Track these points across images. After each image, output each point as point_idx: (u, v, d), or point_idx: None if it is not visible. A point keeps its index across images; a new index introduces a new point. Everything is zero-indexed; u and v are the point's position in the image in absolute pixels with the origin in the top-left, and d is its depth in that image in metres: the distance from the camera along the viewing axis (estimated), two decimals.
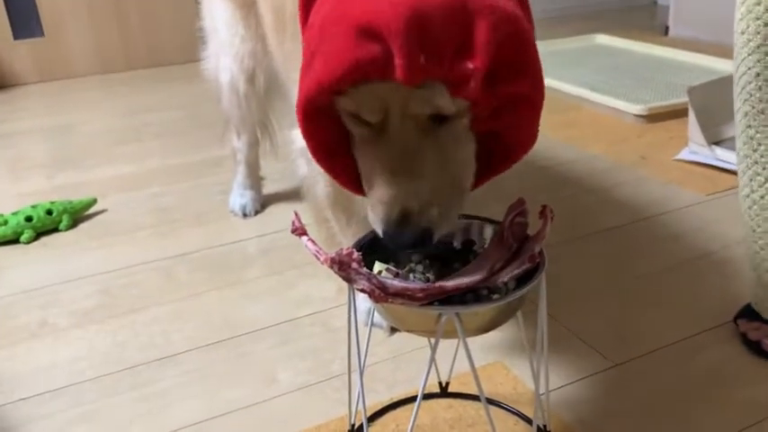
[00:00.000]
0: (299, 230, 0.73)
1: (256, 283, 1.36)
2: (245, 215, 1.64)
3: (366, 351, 0.79)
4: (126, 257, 1.47)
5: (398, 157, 0.68)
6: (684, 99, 1.97)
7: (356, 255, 0.64)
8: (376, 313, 1.12)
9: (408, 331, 0.72)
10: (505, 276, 0.70)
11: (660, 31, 3.41)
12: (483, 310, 0.67)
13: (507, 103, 0.69)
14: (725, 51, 2.75)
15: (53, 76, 3.06)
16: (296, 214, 0.75)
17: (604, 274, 1.32)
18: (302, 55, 0.72)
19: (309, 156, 1.09)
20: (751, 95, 0.98)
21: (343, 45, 0.62)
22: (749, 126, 1.00)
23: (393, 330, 1.18)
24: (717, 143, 1.79)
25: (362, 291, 0.64)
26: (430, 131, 0.69)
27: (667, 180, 1.70)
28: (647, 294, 1.25)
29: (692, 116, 1.78)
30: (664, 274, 1.31)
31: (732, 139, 1.84)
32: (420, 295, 0.64)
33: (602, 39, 3.17)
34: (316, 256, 0.70)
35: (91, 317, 1.27)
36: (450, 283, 0.67)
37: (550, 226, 0.74)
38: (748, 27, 0.95)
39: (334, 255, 0.64)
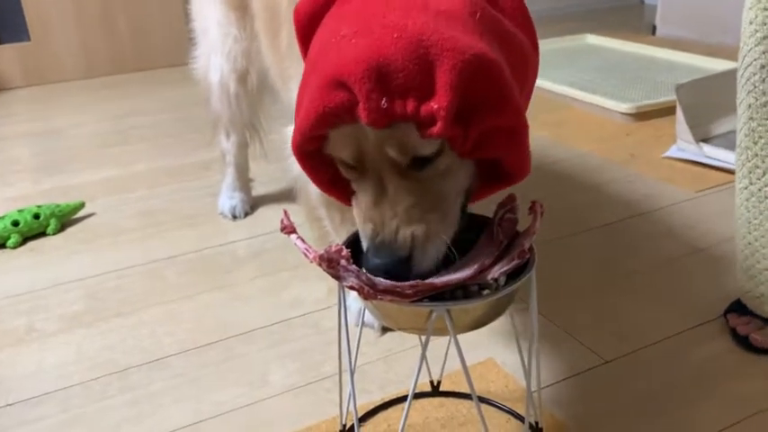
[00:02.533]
0: (288, 228, 0.72)
1: (247, 285, 1.36)
2: (234, 217, 1.63)
3: (357, 351, 0.79)
4: (114, 261, 1.46)
5: (377, 192, 0.71)
6: (672, 97, 1.97)
7: (345, 251, 0.64)
8: (367, 313, 1.12)
9: (399, 329, 0.71)
10: (495, 272, 0.70)
11: (648, 31, 3.43)
12: (473, 307, 0.67)
13: (486, 136, 0.70)
14: (711, 50, 2.77)
15: (40, 81, 3.04)
16: (285, 212, 0.74)
17: (595, 271, 1.32)
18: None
19: None
20: (755, 87, 0.97)
21: (315, 95, 0.66)
22: (751, 118, 1.00)
23: (384, 330, 1.17)
24: (705, 141, 1.80)
25: (351, 288, 0.63)
26: (411, 173, 0.70)
27: (657, 177, 1.71)
28: (637, 291, 1.25)
29: (679, 114, 1.79)
30: (654, 270, 1.32)
31: (720, 136, 1.86)
32: (409, 292, 0.64)
33: (592, 39, 3.18)
34: (305, 254, 0.69)
35: (79, 321, 1.25)
36: (439, 280, 0.67)
37: (540, 221, 0.74)
38: (756, 17, 0.94)
39: (322, 252, 0.63)
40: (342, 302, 0.73)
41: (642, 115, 2.13)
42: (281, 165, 1.15)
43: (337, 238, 1.15)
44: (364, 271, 0.65)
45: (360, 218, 0.74)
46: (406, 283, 0.64)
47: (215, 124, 1.61)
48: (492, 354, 1.09)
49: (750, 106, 0.99)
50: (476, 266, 0.70)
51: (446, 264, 0.71)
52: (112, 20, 3.10)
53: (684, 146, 1.79)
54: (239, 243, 1.54)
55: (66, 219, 1.63)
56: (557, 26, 3.47)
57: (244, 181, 1.68)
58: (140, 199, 1.79)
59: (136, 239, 1.56)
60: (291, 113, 1.13)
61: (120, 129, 2.39)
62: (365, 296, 0.63)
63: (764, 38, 0.94)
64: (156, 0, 3.13)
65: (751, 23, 0.96)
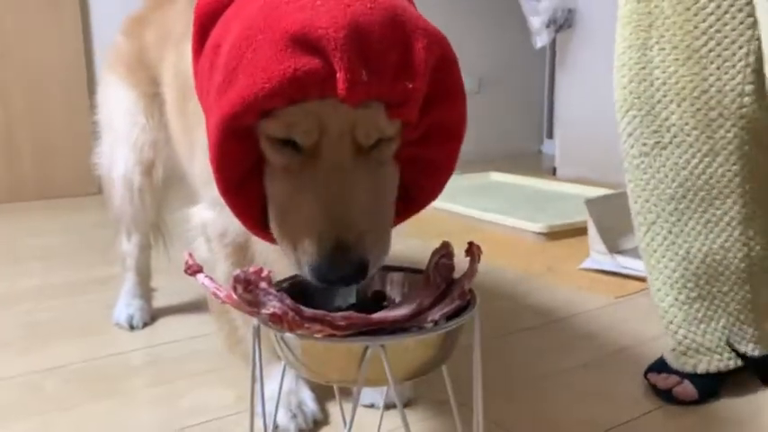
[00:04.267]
0: (194, 267, 0.62)
1: (139, 393, 1.18)
2: (131, 327, 1.47)
3: None
4: None
5: (333, 184, 0.61)
6: (580, 218, 2.04)
7: (265, 272, 0.54)
8: (283, 420, 0.99)
9: (324, 381, 0.60)
10: (436, 314, 0.62)
11: (549, 173, 3.63)
12: (413, 346, 0.58)
13: (436, 129, 0.66)
14: (609, 185, 2.93)
15: None
16: (189, 254, 0.64)
17: (524, 372, 1.25)
18: (202, 75, 0.66)
19: (209, 233, 1.01)
20: (627, 153, 1.10)
21: (275, 55, 0.56)
22: (630, 180, 1.11)
23: None
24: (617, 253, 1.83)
25: (273, 316, 0.53)
26: (362, 155, 0.62)
27: (576, 287, 1.70)
28: (568, 389, 1.18)
29: (591, 226, 1.83)
30: (585, 368, 1.26)
31: (631, 250, 1.90)
32: (341, 323, 0.55)
33: (496, 176, 3.33)
34: (215, 293, 0.59)
35: None
36: (375, 315, 0.58)
37: (478, 263, 0.68)
38: (619, 95, 1.09)
39: (238, 272, 0.54)
40: (256, 351, 0.62)
41: (554, 235, 2.17)
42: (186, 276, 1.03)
43: (248, 332, 1.04)
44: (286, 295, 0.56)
45: (306, 214, 0.60)
46: (338, 314, 0.55)
47: (116, 224, 1.49)
48: None
49: (627, 170, 1.11)
50: (413, 306, 0.62)
51: (381, 305, 0.63)
52: (15, 148, 2.98)
53: (599, 257, 1.82)
54: (134, 352, 1.37)
55: None
56: (460, 167, 3.60)
57: (145, 288, 1.54)
58: (25, 312, 1.59)
59: (13, 351, 1.36)
60: (196, 191, 1.06)
61: (10, 248, 2.20)
62: (289, 324, 0.53)
63: (627, 111, 1.08)
64: (62, 129, 3.05)
65: (617, 101, 1.10)
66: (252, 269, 0.54)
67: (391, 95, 0.59)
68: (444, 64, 0.61)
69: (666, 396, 1.11)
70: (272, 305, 0.53)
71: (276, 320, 0.53)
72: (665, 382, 1.12)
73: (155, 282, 1.60)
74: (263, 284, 0.54)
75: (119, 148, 1.37)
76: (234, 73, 0.59)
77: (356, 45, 0.55)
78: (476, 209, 2.46)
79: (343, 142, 0.60)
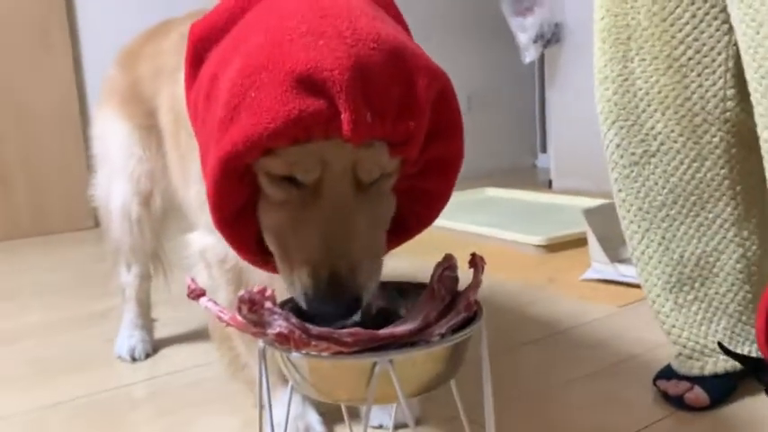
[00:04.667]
0: (197, 291, 0.61)
1: (144, 426, 1.17)
2: (134, 359, 1.45)
3: None
4: None
5: (332, 220, 0.62)
6: (579, 230, 2.04)
7: (270, 291, 0.54)
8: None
9: (333, 400, 0.60)
10: (443, 327, 0.61)
11: (544, 186, 3.64)
12: (422, 359, 0.57)
13: (434, 162, 0.66)
14: (606, 195, 2.93)
15: None
16: (191, 278, 0.64)
17: (535, 383, 1.24)
18: (196, 102, 0.67)
19: (208, 259, 1.01)
20: (616, 163, 1.11)
21: (279, 95, 0.56)
22: (620, 190, 1.12)
23: None
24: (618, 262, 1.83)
25: (279, 335, 0.53)
26: (360, 191, 0.63)
27: (578, 297, 1.70)
28: (581, 398, 1.17)
29: (591, 236, 1.83)
30: (593, 377, 1.25)
31: (630, 259, 1.89)
32: (348, 340, 0.54)
33: (492, 191, 3.34)
34: (219, 316, 0.59)
35: None
36: (382, 331, 0.58)
37: (482, 274, 0.68)
38: (603, 108, 1.10)
39: (243, 293, 0.53)
40: (263, 374, 0.61)
41: (554, 247, 2.17)
42: (187, 306, 1.03)
43: (251, 359, 1.03)
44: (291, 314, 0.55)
45: (304, 248, 0.61)
46: (345, 331, 0.55)
47: (115, 255, 1.48)
48: None
49: (616, 180, 1.12)
50: (420, 319, 0.61)
51: (387, 321, 0.63)
52: (9, 186, 2.98)
53: (600, 267, 1.81)
54: (138, 385, 1.35)
55: None
56: (457, 185, 3.61)
57: (146, 319, 1.53)
58: (27, 349, 1.58)
59: (18, 388, 1.35)
60: (192, 218, 1.06)
61: (9, 286, 2.20)
62: (296, 343, 0.53)
63: (613, 123, 1.09)
64: (55, 165, 3.05)
65: (601, 113, 1.11)
66: (256, 289, 0.54)
67: (394, 135, 0.59)
68: (443, 99, 0.62)
69: (678, 402, 1.10)
70: (278, 324, 0.52)
71: (283, 340, 0.53)
72: (675, 389, 1.11)
73: (155, 312, 1.60)
74: (268, 304, 0.53)
75: (116, 180, 1.37)
76: (236, 111, 0.58)
77: (360, 86, 0.56)
78: (473, 224, 2.45)
79: (344, 179, 0.61)
